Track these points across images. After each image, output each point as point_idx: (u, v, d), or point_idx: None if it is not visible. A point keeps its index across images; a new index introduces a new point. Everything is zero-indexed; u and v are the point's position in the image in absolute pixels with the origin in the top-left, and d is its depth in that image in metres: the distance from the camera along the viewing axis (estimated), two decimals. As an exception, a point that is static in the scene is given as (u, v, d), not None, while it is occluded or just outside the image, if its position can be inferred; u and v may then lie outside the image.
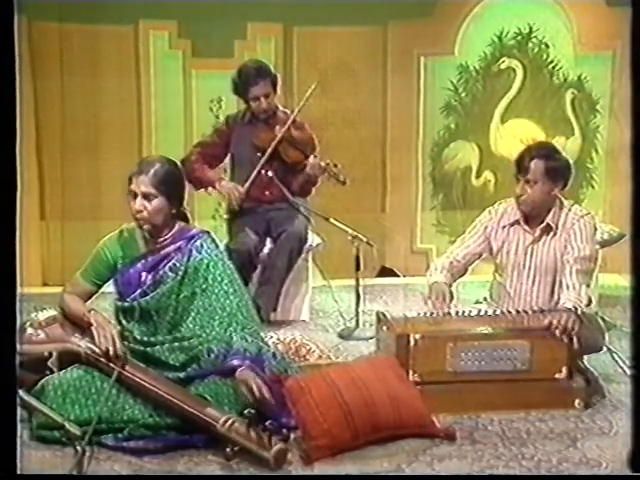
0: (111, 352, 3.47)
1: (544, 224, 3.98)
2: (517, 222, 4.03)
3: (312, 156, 4.89)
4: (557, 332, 3.67)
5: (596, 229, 4.05)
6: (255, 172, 4.91)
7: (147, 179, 3.54)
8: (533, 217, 4.00)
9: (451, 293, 3.95)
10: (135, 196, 3.55)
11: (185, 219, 3.73)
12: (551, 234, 3.98)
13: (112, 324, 3.61)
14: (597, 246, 4.03)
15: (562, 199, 4.01)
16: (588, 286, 3.91)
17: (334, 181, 4.90)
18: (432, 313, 3.85)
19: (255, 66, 4.95)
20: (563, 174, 3.97)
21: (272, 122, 4.96)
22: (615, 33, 5.73)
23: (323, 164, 4.87)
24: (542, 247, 3.99)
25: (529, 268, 4.01)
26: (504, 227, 4.05)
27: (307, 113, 5.25)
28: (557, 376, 3.70)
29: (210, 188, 5.03)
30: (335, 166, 4.88)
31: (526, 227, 4.01)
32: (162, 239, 3.64)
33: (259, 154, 4.93)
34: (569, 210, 3.98)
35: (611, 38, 5.87)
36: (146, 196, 3.54)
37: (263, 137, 4.93)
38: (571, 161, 4.13)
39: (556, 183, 3.94)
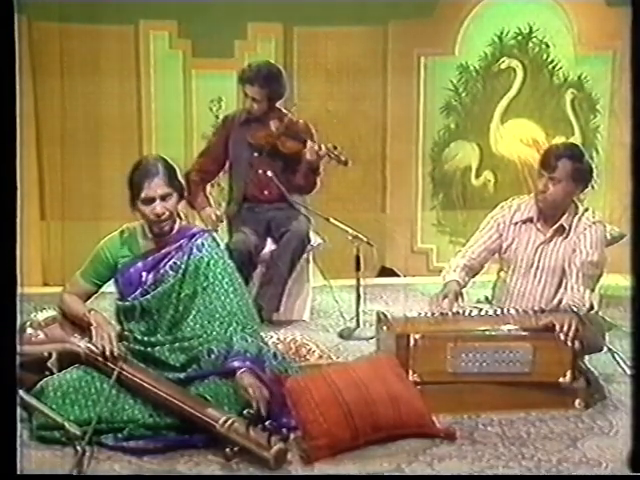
0: (108, 352, 3.47)
1: (558, 225, 3.97)
2: (530, 220, 4.03)
3: (309, 142, 4.89)
4: (561, 336, 3.65)
5: (606, 237, 4.05)
6: (248, 179, 4.92)
7: (161, 180, 3.54)
8: (547, 216, 4.00)
9: (461, 294, 3.95)
10: (152, 201, 3.54)
11: (178, 215, 3.73)
12: (562, 236, 3.98)
13: (111, 324, 3.62)
14: (605, 254, 4.01)
15: (577, 203, 4.03)
16: (592, 291, 3.91)
17: (336, 163, 4.89)
18: (433, 313, 3.84)
19: (257, 68, 4.95)
20: (586, 178, 3.97)
21: (267, 120, 4.96)
22: (615, 33, 5.74)
23: (323, 147, 4.86)
24: (552, 248, 3.99)
25: (537, 268, 4.01)
26: (516, 223, 4.05)
27: (306, 113, 5.25)
28: (561, 380, 3.68)
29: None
30: (335, 148, 4.87)
31: (539, 226, 4.02)
32: (164, 238, 3.65)
33: (255, 154, 4.94)
34: (582, 215, 3.98)
35: (611, 38, 5.88)
36: (164, 197, 3.55)
37: (258, 135, 4.94)
38: (594, 166, 4.13)
39: (578, 186, 3.95)
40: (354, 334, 4.79)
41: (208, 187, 5.18)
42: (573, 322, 3.67)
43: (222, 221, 5.01)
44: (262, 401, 3.29)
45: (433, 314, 3.84)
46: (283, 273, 4.88)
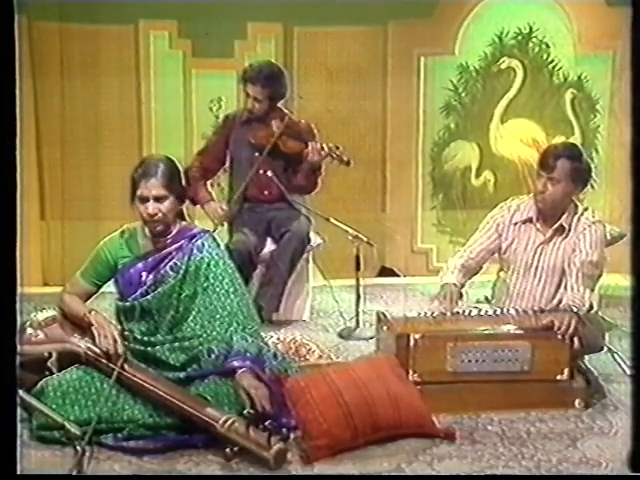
0: (111, 352, 3.47)
1: (557, 225, 3.97)
2: (530, 220, 4.03)
3: (312, 142, 4.88)
4: (559, 334, 3.66)
5: (606, 237, 4.05)
6: (248, 178, 4.92)
7: (157, 181, 3.54)
8: (547, 217, 4.00)
9: (460, 295, 3.95)
10: (146, 200, 3.55)
11: (182, 216, 3.73)
12: (562, 236, 3.97)
13: (112, 324, 3.62)
14: (605, 254, 4.01)
15: (577, 202, 4.03)
16: (592, 291, 3.91)
17: (338, 163, 4.89)
18: (433, 313, 3.84)
19: (259, 68, 4.95)
20: (585, 177, 3.98)
21: (268, 120, 4.96)
22: (615, 33, 5.74)
23: (325, 147, 4.86)
24: (552, 248, 3.99)
25: (537, 268, 4.01)
26: (516, 224, 4.05)
27: (307, 113, 5.25)
28: (559, 378, 3.70)
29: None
30: (337, 148, 4.86)
31: (538, 226, 4.01)
32: (164, 238, 3.65)
33: (256, 153, 4.94)
34: (582, 214, 3.98)
35: (611, 38, 5.88)
36: (158, 199, 3.55)
37: (260, 135, 4.94)
38: (594, 166, 4.12)
39: (577, 185, 3.95)
40: (354, 334, 4.79)
41: (208, 184, 5.17)
42: (572, 320, 3.67)
43: (227, 215, 4.99)
44: (264, 399, 3.29)
45: (433, 314, 3.84)
46: (283, 273, 4.87)
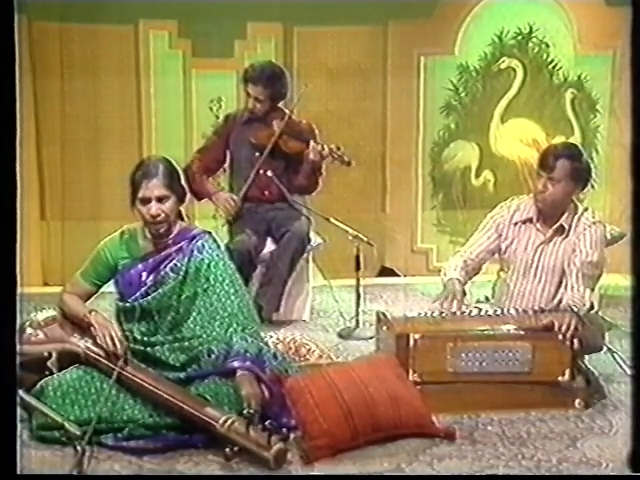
0: (118, 351, 3.47)
1: (558, 225, 3.97)
2: (530, 220, 4.03)
3: (312, 142, 4.88)
4: (560, 335, 3.66)
5: (606, 237, 4.05)
6: (250, 179, 4.92)
7: (159, 181, 3.54)
8: (547, 216, 4.00)
9: (464, 292, 3.95)
10: (148, 201, 3.54)
11: (181, 217, 3.73)
12: (562, 236, 3.98)
13: (114, 324, 3.62)
14: (604, 254, 4.00)
15: (577, 202, 4.03)
16: (592, 291, 3.91)
17: (339, 164, 4.89)
18: (433, 313, 3.84)
19: (260, 68, 4.95)
20: (585, 177, 3.98)
21: (269, 120, 4.96)
22: (615, 33, 5.74)
23: (326, 148, 4.86)
24: (552, 248, 3.99)
25: (537, 268, 4.01)
26: (516, 224, 4.05)
27: (307, 113, 5.25)
28: (560, 379, 3.69)
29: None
30: (338, 148, 4.86)
31: (538, 226, 4.01)
32: (164, 240, 3.65)
33: (257, 153, 4.94)
34: (582, 214, 3.98)
35: (611, 38, 5.88)
36: (160, 199, 3.55)
37: (260, 135, 4.94)
38: (593, 166, 4.12)
39: (577, 185, 3.95)
40: (354, 334, 4.79)
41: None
42: (572, 321, 3.67)
43: (239, 205, 4.99)
44: (260, 403, 3.29)
45: (433, 314, 3.84)
46: (283, 273, 4.87)
